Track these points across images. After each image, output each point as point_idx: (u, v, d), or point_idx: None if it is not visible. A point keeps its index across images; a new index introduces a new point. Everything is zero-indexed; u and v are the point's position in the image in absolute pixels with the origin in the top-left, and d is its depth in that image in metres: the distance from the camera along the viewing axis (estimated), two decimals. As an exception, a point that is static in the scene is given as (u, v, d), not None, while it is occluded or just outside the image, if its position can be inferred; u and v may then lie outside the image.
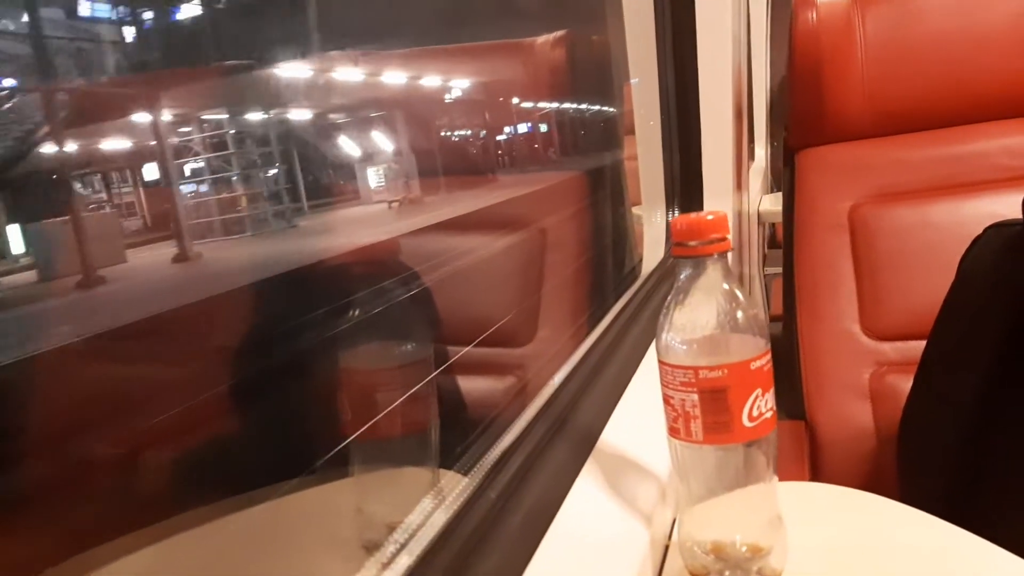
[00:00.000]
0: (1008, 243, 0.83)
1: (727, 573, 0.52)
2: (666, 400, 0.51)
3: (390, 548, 0.41)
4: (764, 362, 0.49)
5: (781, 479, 0.65)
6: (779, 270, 1.39)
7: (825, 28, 1.20)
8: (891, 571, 0.54)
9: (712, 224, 0.49)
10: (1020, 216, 0.81)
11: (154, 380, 0.53)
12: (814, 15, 1.20)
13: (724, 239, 0.49)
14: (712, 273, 0.50)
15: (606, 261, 1.31)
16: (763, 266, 2.13)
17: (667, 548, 0.57)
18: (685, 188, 1.25)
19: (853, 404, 1.10)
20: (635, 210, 1.42)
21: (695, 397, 0.49)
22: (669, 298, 0.51)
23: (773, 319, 1.69)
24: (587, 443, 0.59)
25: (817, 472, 1.09)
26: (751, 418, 0.49)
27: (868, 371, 1.12)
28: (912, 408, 0.94)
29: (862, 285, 1.15)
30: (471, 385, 1.15)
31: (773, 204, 1.98)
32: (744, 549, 0.52)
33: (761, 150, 3.01)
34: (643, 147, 1.26)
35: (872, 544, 0.57)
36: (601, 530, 0.50)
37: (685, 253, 0.50)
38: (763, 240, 2.26)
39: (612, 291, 1.26)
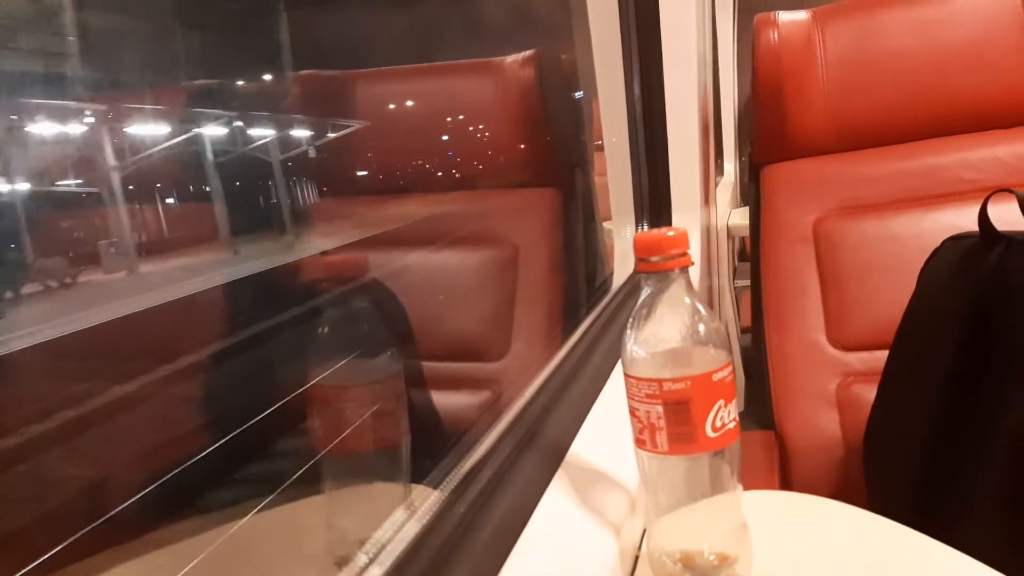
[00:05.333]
0: (965, 254, 0.85)
1: (695, 582, 0.52)
2: (632, 412, 0.52)
3: (358, 564, 0.41)
4: (726, 373, 0.50)
5: (751, 489, 0.66)
6: (749, 282, 1.42)
7: (786, 47, 1.23)
8: (855, 578, 0.55)
9: (673, 240, 0.50)
10: (977, 228, 0.84)
11: (117, 398, 0.53)
12: (775, 34, 1.23)
13: (685, 254, 0.51)
14: (675, 287, 0.51)
15: (578, 276, 1.32)
16: (733, 279, 2.16)
17: (637, 559, 0.58)
18: (654, 203, 1.27)
19: (821, 414, 1.12)
20: (606, 225, 1.43)
21: (659, 409, 0.50)
22: (633, 312, 0.52)
23: (744, 331, 1.72)
24: (556, 456, 0.59)
25: (787, 482, 1.10)
26: (714, 428, 0.50)
27: (835, 381, 1.14)
28: (876, 417, 0.95)
29: (827, 297, 1.17)
30: (447, 400, 1.15)
31: (742, 218, 2.02)
32: (712, 558, 0.53)
33: (730, 165, 3.05)
34: (612, 164, 1.28)
35: (838, 552, 0.58)
36: (570, 542, 0.51)
37: (648, 268, 0.51)
38: (733, 253, 2.29)
39: (584, 305, 1.27)
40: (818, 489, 1.09)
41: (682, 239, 0.50)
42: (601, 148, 1.34)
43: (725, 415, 0.50)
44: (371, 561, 0.41)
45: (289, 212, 0.72)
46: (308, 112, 1.00)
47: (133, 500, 0.50)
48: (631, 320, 0.52)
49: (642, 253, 0.51)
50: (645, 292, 0.52)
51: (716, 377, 0.50)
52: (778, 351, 1.18)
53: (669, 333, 0.51)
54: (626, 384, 0.51)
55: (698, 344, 0.51)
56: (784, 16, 1.24)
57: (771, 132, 1.26)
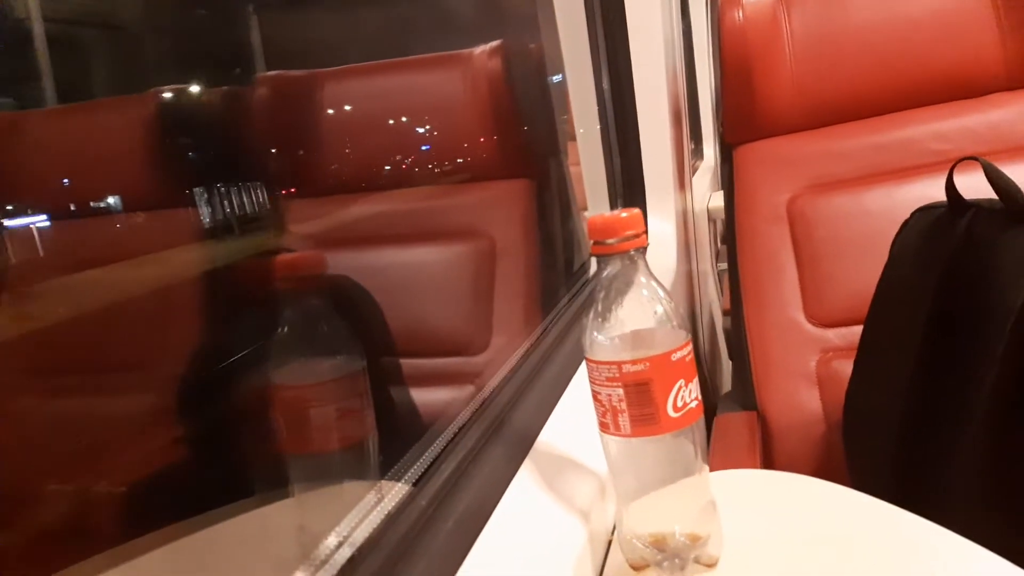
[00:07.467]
0: (933, 224, 0.85)
1: (665, 563, 0.52)
2: (595, 396, 0.51)
3: (315, 561, 0.41)
4: (685, 353, 0.50)
5: (736, 468, 0.66)
6: (729, 265, 1.41)
7: (752, 26, 1.22)
8: (830, 554, 0.55)
9: (627, 221, 0.50)
10: (946, 199, 0.84)
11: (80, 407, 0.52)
12: (740, 14, 1.22)
13: (640, 235, 0.50)
14: (631, 269, 0.51)
15: (555, 265, 1.32)
16: (716, 262, 2.16)
17: (610, 544, 0.58)
18: (628, 190, 1.27)
19: (801, 392, 1.12)
20: (585, 214, 1.43)
21: (620, 391, 0.49)
22: (592, 296, 0.52)
23: (726, 313, 1.72)
24: (524, 444, 0.59)
25: (769, 461, 1.10)
26: (676, 408, 0.49)
27: (814, 358, 1.14)
28: (853, 391, 0.96)
29: (804, 274, 1.17)
30: (428, 396, 1.15)
31: (722, 200, 2.00)
32: (683, 539, 0.53)
33: (710, 149, 3.05)
34: (585, 152, 1.28)
35: (815, 529, 0.58)
36: (537, 530, 0.51)
37: (603, 251, 0.50)
38: (715, 237, 2.29)
39: (563, 293, 1.27)
40: (801, 467, 1.08)
41: (636, 220, 0.50)
42: (575, 137, 1.33)
43: (686, 394, 0.50)
44: (327, 559, 0.41)
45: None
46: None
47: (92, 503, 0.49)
48: (591, 304, 0.52)
49: (597, 236, 0.50)
50: (603, 275, 0.51)
51: (675, 357, 0.49)
52: (757, 331, 1.18)
53: (627, 315, 0.51)
54: (588, 369, 0.51)
55: (657, 325, 0.51)
56: (749, -6, 1.24)
57: (741, 112, 1.26)
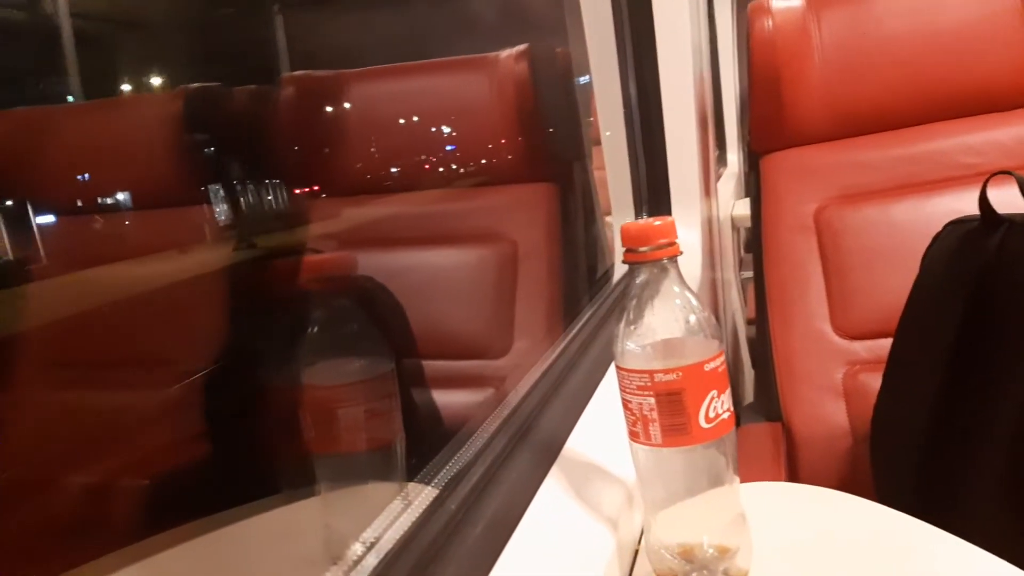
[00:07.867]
0: (966, 238, 0.84)
1: (694, 575, 0.52)
2: (625, 405, 0.51)
3: (346, 563, 0.41)
4: (718, 363, 0.49)
5: (760, 481, 0.66)
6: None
7: (781, 34, 1.21)
8: (857, 568, 0.54)
9: (660, 229, 0.49)
10: (978, 212, 0.83)
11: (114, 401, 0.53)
12: (770, 22, 1.21)
13: (673, 244, 0.50)
14: (663, 278, 0.50)
15: (578, 270, 1.32)
16: (739, 270, 2.14)
17: (637, 553, 0.57)
18: (653, 196, 1.26)
19: (827, 404, 1.11)
20: (608, 219, 1.43)
21: (652, 400, 0.49)
22: (624, 304, 0.51)
23: (750, 323, 1.71)
24: (552, 451, 0.59)
25: (794, 473, 1.09)
26: (708, 419, 0.49)
27: (841, 370, 1.13)
28: (882, 405, 0.94)
29: (831, 285, 1.16)
30: (450, 399, 1.15)
31: (746, 209, 2.00)
32: (711, 551, 0.52)
33: (734, 156, 3.04)
34: (610, 157, 1.28)
35: (840, 542, 0.57)
36: (566, 538, 0.51)
37: (636, 259, 0.50)
38: (739, 245, 2.28)
39: (585, 299, 1.26)
40: (826, 480, 1.07)
41: (669, 228, 0.49)
42: (599, 142, 1.33)
43: (719, 405, 0.49)
44: (358, 561, 0.41)
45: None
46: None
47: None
48: (621, 312, 0.51)
49: (630, 243, 0.50)
50: (635, 283, 0.51)
51: (708, 367, 0.49)
52: (783, 341, 1.17)
53: (659, 324, 0.50)
54: (618, 376, 0.51)
55: (689, 334, 0.50)
56: (778, 3, 1.23)
57: (769, 121, 1.25)
